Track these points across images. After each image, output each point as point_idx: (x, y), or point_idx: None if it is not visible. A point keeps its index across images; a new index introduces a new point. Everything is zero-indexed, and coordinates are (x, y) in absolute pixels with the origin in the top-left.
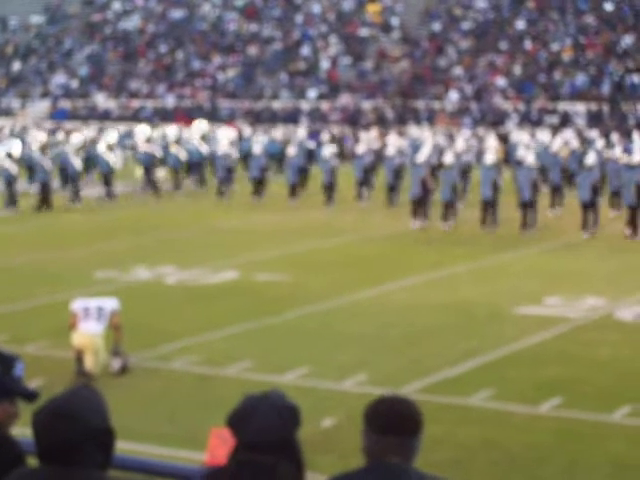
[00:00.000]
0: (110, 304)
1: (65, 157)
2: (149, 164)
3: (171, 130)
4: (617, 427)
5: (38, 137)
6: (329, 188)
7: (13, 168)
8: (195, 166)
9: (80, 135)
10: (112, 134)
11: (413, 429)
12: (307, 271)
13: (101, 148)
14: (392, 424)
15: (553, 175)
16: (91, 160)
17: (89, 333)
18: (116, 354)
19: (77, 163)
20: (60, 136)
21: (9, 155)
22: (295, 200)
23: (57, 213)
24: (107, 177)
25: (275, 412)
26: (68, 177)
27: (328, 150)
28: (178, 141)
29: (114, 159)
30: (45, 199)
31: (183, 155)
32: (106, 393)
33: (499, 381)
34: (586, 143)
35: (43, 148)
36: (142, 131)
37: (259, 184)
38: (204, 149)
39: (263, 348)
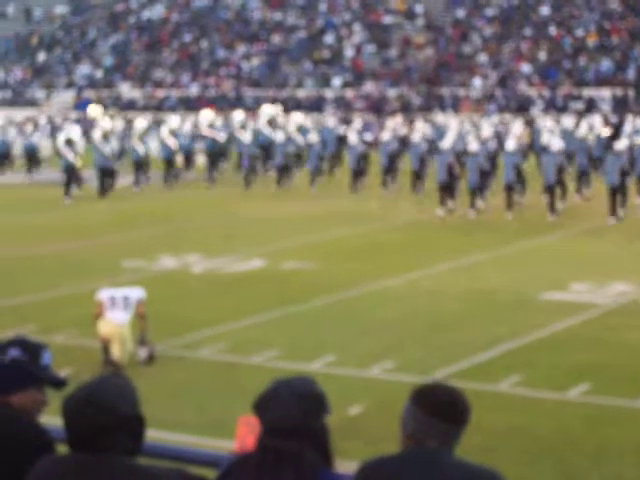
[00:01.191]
0: (136, 293)
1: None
2: (212, 150)
3: (237, 115)
4: None
5: (103, 124)
6: (356, 174)
7: (72, 155)
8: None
9: (143, 121)
10: (175, 120)
11: (461, 418)
12: (333, 259)
13: (164, 134)
14: (444, 408)
15: (579, 160)
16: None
17: (116, 323)
18: (142, 343)
19: (141, 149)
20: (121, 123)
21: (68, 142)
22: (315, 188)
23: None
24: (169, 162)
25: (296, 398)
26: (134, 163)
27: (355, 137)
28: (244, 126)
29: (176, 144)
30: (103, 185)
31: (248, 140)
32: (134, 382)
33: (527, 367)
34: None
35: (105, 135)
36: (205, 117)
37: (284, 172)
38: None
39: (290, 336)
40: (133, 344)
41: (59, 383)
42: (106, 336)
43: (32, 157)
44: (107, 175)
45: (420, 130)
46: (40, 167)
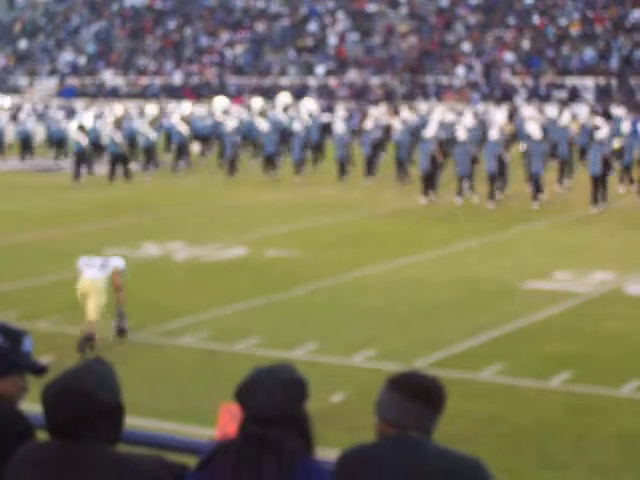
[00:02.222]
0: (115, 262)
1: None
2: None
3: (256, 102)
4: (626, 401)
5: (115, 110)
6: (342, 163)
7: (84, 141)
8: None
9: (154, 107)
10: (187, 106)
11: (441, 403)
12: (316, 247)
13: (176, 120)
14: (425, 393)
15: (561, 149)
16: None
17: (90, 278)
18: (119, 315)
19: (151, 135)
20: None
21: (81, 127)
22: (300, 177)
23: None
24: (182, 148)
25: (279, 385)
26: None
27: (341, 125)
28: (263, 113)
29: (187, 131)
30: (113, 170)
31: (264, 127)
32: (115, 368)
33: (508, 356)
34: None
35: (117, 122)
36: (220, 103)
37: (270, 160)
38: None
39: (272, 324)
40: (106, 297)
41: (40, 370)
42: (83, 294)
43: (25, 144)
44: (119, 161)
45: (404, 118)
46: (33, 154)
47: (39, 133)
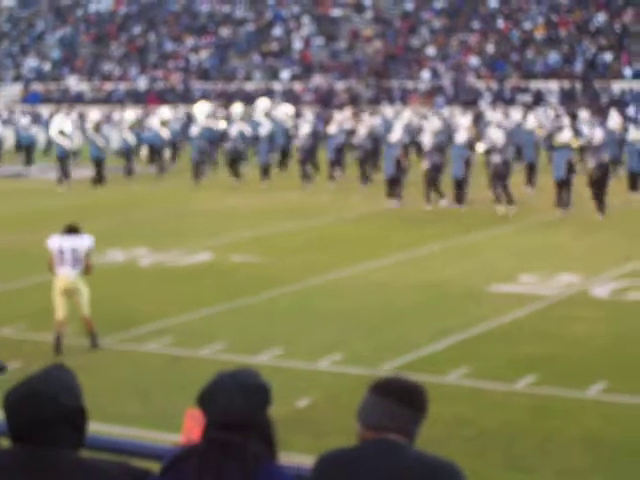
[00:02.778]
0: (85, 243)
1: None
2: (214, 140)
3: (236, 108)
4: (592, 403)
5: (92, 116)
6: (333, 164)
7: (66, 144)
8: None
9: (133, 113)
10: (165, 111)
11: (424, 406)
12: (281, 252)
13: (155, 124)
14: (408, 396)
15: (527, 153)
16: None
17: (68, 280)
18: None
19: (130, 139)
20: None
21: (61, 132)
22: (266, 182)
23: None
24: (160, 152)
25: (241, 391)
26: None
27: (304, 130)
28: (243, 118)
29: (167, 134)
30: (99, 175)
31: (248, 131)
32: (79, 374)
33: (474, 359)
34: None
35: (96, 126)
36: (201, 108)
37: (234, 165)
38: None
39: (237, 329)
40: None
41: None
42: (64, 291)
43: None
44: (100, 165)
45: (367, 123)
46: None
47: (8, 138)
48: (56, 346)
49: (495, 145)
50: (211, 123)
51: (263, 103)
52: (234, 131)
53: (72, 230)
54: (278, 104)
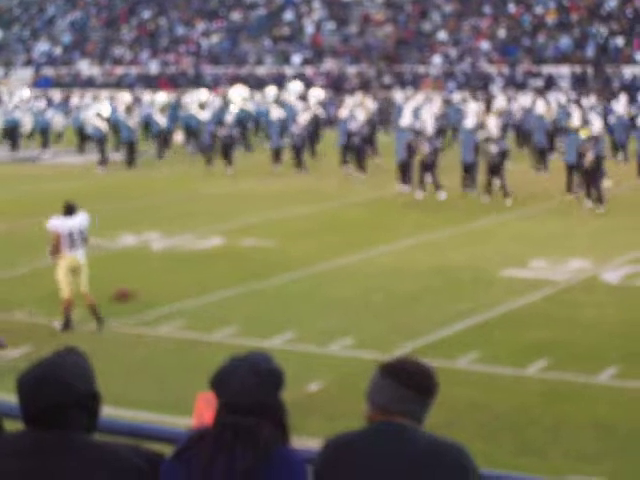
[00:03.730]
0: (85, 222)
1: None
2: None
3: (270, 90)
4: (603, 388)
5: (124, 98)
6: (297, 153)
7: (104, 127)
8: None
9: (164, 94)
10: (204, 93)
11: (434, 390)
12: (292, 236)
13: (194, 108)
14: (418, 379)
15: (537, 138)
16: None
17: (80, 260)
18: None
19: (162, 121)
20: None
21: (99, 115)
22: (278, 166)
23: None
24: (196, 134)
25: (253, 374)
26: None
27: (303, 117)
28: (278, 100)
29: (205, 116)
30: (131, 157)
31: (276, 114)
32: (91, 358)
33: (485, 344)
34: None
35: (128, 109)
36: (239, 92)
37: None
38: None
39: (249, 313)
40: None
41: None
42: (73, 269)
43: (13, 133)
44: (132, 147)
45: (365, 109)
46: (19, 144)
47: (27, 123)
48: (66, 324)
49: (491, 135)
50: (247, 106)
51: (295, 86)
52: (230, 117)
53: (72, 210)
54: (311, 88)
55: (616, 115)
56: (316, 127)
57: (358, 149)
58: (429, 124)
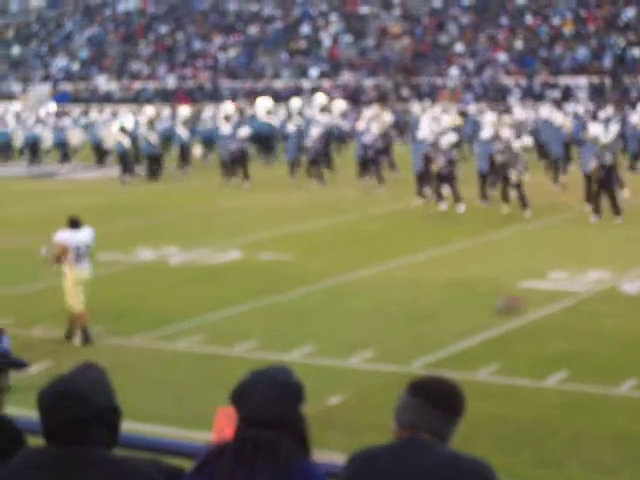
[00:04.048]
0: (91, 236)
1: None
2: (271, 134)
3: (294, 103)
4: (622, 400)
5: (147, 112)
6: (312, 165)
7: (127, 141)
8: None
9: (187, 108)
10: (229, 106)
11: (461, 410)
12: (311, 249)
13: (220, 120)
14: (446, 399)
15: (556, 149)
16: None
17: (88, 275)
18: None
19: (185, 134)
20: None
21: (122, 129)
22: (295, 178)
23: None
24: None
25: (273, 387)
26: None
27: (315, 131)
28: (300, 113)
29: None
30: (153, 170)
31: (293, 127)
32: (111, 373)
33: (505, 356)
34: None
35: (150, 122)
36: (263, 104)
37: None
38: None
39: (268, 327)
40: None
41: (21, 364)
42: (78, 283)
43: (33, 148)
44: (154, 161)
45: (380, 122)
46: (40, 159)
47: (47, 139)
48: (85, 338)
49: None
50: (270, 119)
51: (319, 99)
52: (243, 132)
53: (77, 224)
54: (333, 100)
55: (631, 125)
56: (338, 139)
57: (373, 162)
58: (445, 138)
